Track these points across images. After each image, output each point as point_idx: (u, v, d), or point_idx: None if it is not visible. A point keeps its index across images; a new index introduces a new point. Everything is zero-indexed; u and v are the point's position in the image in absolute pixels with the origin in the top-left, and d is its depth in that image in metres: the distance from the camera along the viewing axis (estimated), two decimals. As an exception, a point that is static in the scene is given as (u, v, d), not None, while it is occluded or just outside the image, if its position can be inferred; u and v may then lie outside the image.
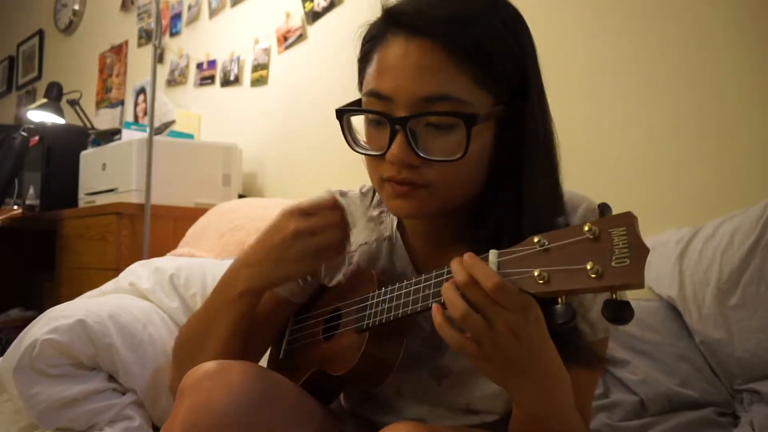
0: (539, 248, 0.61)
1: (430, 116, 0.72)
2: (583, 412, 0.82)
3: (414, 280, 0.75)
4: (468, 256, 0.64)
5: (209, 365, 0.80)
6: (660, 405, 1.24)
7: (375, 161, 0.78)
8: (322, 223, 0.85)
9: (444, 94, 0.72)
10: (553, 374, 0.69)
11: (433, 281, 0.72)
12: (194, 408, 0.76)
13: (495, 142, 0.76)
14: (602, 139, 1.70)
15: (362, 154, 0.80)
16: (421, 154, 0.72)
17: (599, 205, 0.60)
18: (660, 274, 1.43)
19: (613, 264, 0.55)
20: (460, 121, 0.71)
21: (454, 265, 0.65)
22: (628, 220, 0.57)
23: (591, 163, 1.68)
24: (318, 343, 0.91)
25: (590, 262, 0.56)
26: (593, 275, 0.56)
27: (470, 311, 0.63)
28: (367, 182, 0.97)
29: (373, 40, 0.78)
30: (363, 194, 0.97)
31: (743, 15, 1.49)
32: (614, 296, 0.56)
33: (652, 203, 1.59)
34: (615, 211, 0.91)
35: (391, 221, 0.91)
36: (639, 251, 0.55)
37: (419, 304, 0.73)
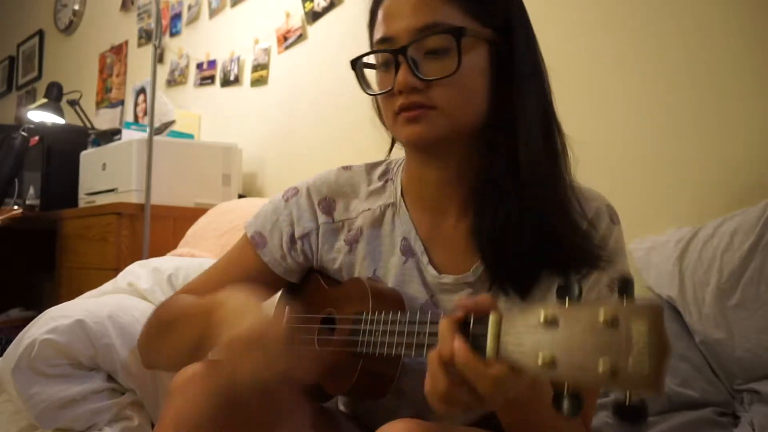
0: (546, 325, 0.53)
1: (424, 39, 0.79)
2: (586, 416, 0.82)
3: (408, 319, 0.73)
4: (460, 350, 0.60)
5: (197, 366, 0.81)
6: (660, 405, 1.24)
7: (387, 101, 0.84)
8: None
9: (437, 22, 0.79)
10: (538, 397, 0.68)
11: (427, 331, 0.70)
12: (183, 409, 0.77)
13: (491, 68, 0.83)
14: (603, 138, 1.69)
15: (376, 95, 0.86)
16: (423, 77, 0.79)
17: (618, 280, 0.53)
18: (660, 274, 1.43)
19: (629, 369, 0.48)
20: (454, 42, 0.79)
21: (442, 328, 0.63)
22: (653, 313, 0.48)
23: (592, 162, 1.67)
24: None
25: (602, 360, 0.49)
26: (605, 375, 0.49)
27: (454, 388, 0.61)
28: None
29: (376, 4, 0.86)
30: (368, 167, 0.98)
31: (744, 15, 1.49)
32: (626, 399, 0.49)
33: (653, 203, 1.59)
34: (616, 212, 0.92)
35: (395, 189, 0.92)
36: (661, 354, 0.47)
37: (413, 351, 0.72)
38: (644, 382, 0.47)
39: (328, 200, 0.95)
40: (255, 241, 0.97)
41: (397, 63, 0.80)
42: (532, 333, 0.54)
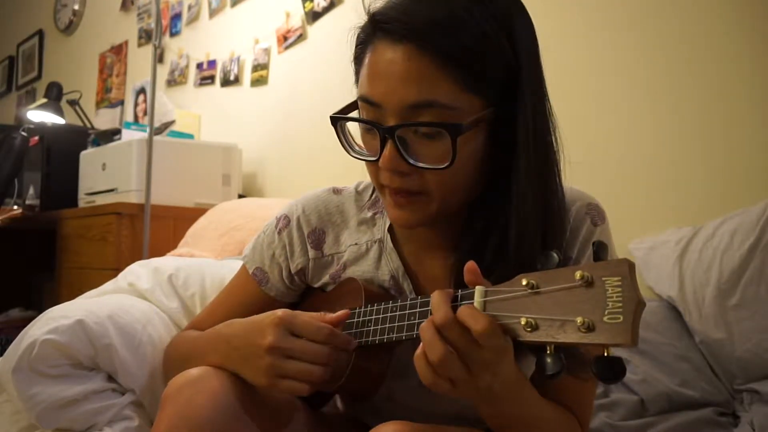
0: (529, 291, 0.57)
1: (416, 126, 0.71)
2: (582, 416, 0.82)
3: (399, 304, 0.75)
4: (450, 313, 0.62)
5: (192, 372, 0.81)
6: (660, 405, 1.24)
7: (373, 166, 0.77)
8: (304, 351, 0.77)
9: (430, 101, 0.70)
10: (520, 395, 0.70)
11: (418, 309, 0.71)
12: (176, 416, 0.77)
13: (490, 143, 0.75)
14: (605, 138, 1.70)
15: (358, 158, 0.79)
16: (411, 161, 0.72)
17: (594, 244, 0.56)
18: (660, 274, 1.43)
19: (605, 319, 0.51)
20: (448, 136, 0.70)
21: (434, 299, 0.64)
22: (624, 268, 0.52)
23: (594, 162, 1.68)
24: None
25: (580, 316, 0.52)
26: (583, 330, 0.52)
27: (448, 356, 0.61)
28: (366, 180, 0.97)
29: (363, 44, 0.77)
30: (358, 193, 0.95)
31: (747, 15, 1.49)
32: (605, 352, 0.52)
33: (654, 203, 1.59)
34: (615, 213, 0.91)
35: (383, 223, 0.90)
36: (633, 306, 0.50)
37: (404, 333, 0.72)
38: (618, 331, 0.50)
39: (317, 232, 0.93)
40: (257, 278, 0.97)
41: (382, 138, 0.72)
42: (516, 301, 0.58)
